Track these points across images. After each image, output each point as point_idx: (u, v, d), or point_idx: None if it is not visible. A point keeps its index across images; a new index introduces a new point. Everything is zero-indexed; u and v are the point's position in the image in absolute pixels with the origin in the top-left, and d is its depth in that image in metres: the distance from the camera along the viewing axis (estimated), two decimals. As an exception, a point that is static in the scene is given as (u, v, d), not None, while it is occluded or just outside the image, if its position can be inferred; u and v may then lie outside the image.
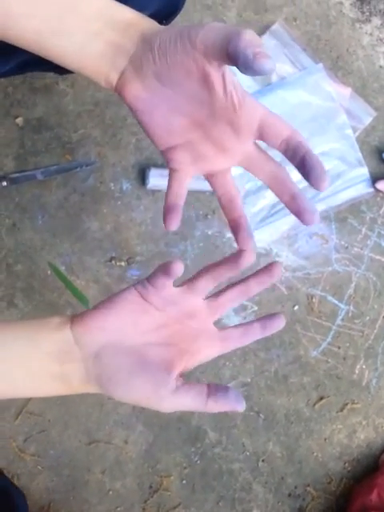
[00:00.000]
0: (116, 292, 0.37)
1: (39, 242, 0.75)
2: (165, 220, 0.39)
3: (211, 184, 0.40)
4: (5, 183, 0.72)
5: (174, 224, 0.39)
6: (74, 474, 0.76)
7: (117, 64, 0.35)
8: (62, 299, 0.75)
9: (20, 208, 0.74)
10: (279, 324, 0.40)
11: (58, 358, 0.35)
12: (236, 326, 0.40)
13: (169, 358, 0.37)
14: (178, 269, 0.36)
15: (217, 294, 0.40)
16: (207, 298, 0.40)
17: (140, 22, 0.35)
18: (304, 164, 0.35)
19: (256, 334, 0.40)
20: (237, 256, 0.39)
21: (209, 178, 0.40)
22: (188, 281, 0.39)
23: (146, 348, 0.37)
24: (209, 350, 0.39)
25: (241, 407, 0.36)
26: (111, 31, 0.35)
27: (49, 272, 0.75)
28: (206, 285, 0.39)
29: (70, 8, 0.34)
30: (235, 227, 0.40)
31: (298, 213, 0.37)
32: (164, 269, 0.36)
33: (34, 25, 0.34)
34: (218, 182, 0.39)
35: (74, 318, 0.36)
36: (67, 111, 0.75)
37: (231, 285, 0.40)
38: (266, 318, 0.40)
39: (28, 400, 0.74)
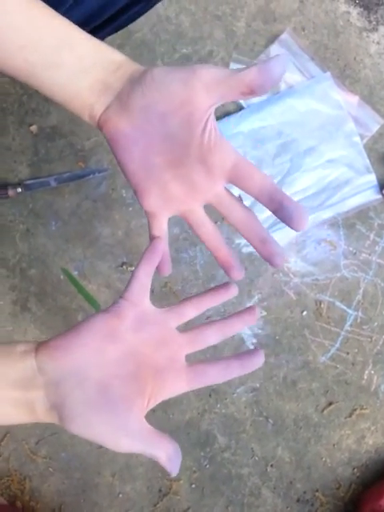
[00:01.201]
0: (85, 318, 0.37)
1: (52, 247, 0.76)
2: (159, 270, 0.40)
3: (187, 222, 0.40)
4: (19, 190, 0.74)
5: (166, 270, 0.41)
6: (85, 476, 0.77)
7: (102, 100, 0.36)
8: (74, 304, 0.76)
9: (34, 214, 0.76)
10: (258, 361, 0.38)
11: (22, 385, 0.34)
12: (210, 362, 0.38)
13: (131, 394, 0.35)
14: (160, 245, 0.37)
15: (195, 328, 0.39)
16: (184, 331, 0.39)
17: (129, 64, 0.37)
18: (282, 209, 0.35)
19: (233, 372, 0.38)
20: (222, 288, 0.40)
21: (184, 218, 0.40)
22: (170, 306, 0.39)
23: (110, 380, 0.35)
24: (174, 385, 0.37)
25: (174, 471, 0.35)
26: (101, 70, 0.36)
27: (61, 277, 0.76)
28: (188, 311, 0.39)
29: (65, 45, 0.36)
30: (224, 264, 0.40)
31: (268, 257, 0.37)
32: (145, 253, 0.37)
33: (28, 56, 0.35)
34: (192, 220, 0.39)
35: (39, 345, 0.35)
36: (80, 120, 0.77)
37: (211, 321, 0.39)
38: (245, 354, 0.38)
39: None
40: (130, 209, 0.78)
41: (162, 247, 0.39)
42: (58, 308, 0.76)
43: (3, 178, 0.76)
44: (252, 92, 0.33)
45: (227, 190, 0.38)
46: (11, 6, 0.34)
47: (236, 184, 0.37)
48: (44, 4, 0.36)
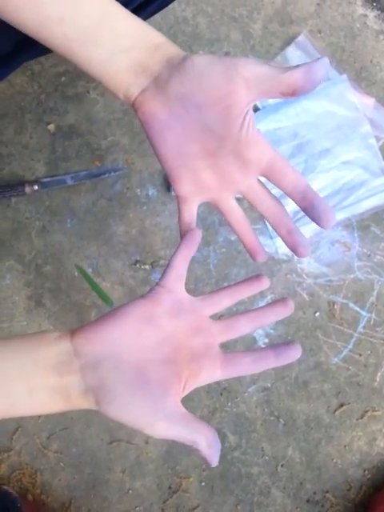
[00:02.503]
0: (123, 303, 0.37)
1: (67, 244, 0.77)
2: (182, 246, 0.41)
3: (217, 208, 0.41)
4: (36, 187, 0.75)
5: (193, 249, 0.41)
6: (95, 472, 0.77)
7: (139, 81, 0.36)
8: (87, 300, 0.77)
9: (50, 211, 0.77)
10: (295, 354, 0.38)
11: (57, 371, 0.34)
12: (245, 352, 0.38)
13: (168, 377, 0.35)
14: (197, 235, 0.38)
15: (229, 317, 0.39)
16: (218, 320, 0.39)
17: (169, 46, 0.37)
18: (313, 208, 0.37)
19: (269, 362, 0.38)
20: (255, 279, 0.40)
21: (215, 205, 0.41)
22: (206, 294, 0.39)
23: (145, 364, 0.35)
24: (210, 372, 0.37)
25: (215, 463, 0.34)
26: (140, 50, 0.36)
27: (76, 274, 0.77)
28: (223, 300, 0.39)
29: (104, 22, 0.35)
30: (250, 249, 0.42)
31: (293, 247, 0.39)
32: (182, 242, 0.37)
33: (66, 31, 0.35)
34: (223, 208, 0.41)
35: (75, 330, 0.36)
36: (97, 119, 0.78)
37: (245, 311, 0.40)
38: (282, 345, 0.38)
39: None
40: (145, 208, 0.79)
41: (199, 237, 0.39)
42: (72, 304, 0.77)
43: (20, 176, 0.77)
44: (293, 93, 0.34)
45: (259, 182, 0.39)
46: None
47: (270, 179, 0.38)
48: None
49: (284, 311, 0.40)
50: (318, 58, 0.33)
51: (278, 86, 0.34)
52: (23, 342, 0.35)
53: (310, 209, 0.37)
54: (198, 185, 0.39)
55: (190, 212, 0.41)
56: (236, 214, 0.41)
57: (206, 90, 0.34)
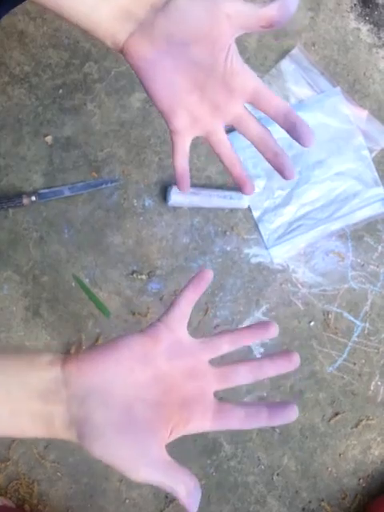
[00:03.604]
0: (121, 335, 0.35)
1: (65, 254, 0.78)
2: (179, 185, 0.43)
3: (209, 143, 0.43)
4: (34, 198, 0.76)
5: (187, 186, 0.43)
6: (92, 481, 0.78)
7: (125, 27, 0.38)
8: (84, 310, 0.78)
9: (47, 222, 0.78)
10: (290, 415, 0.35)
11: (43, 397, 0.33)
12: (239, 405, 0.36)
13: (156, 420, 0.34)
14: (209, 276, 0.38)
15: (229, 365, 0.37)
16: (217, 366, 0.37)
17: None
18: (295, 129, 0.39)
19: (261, 421, 0.35)
20: (263, 326, 0.37)
21: (206, 138, 0.43)
22: (207, 337, 0.37)
23: (136, 403, 0.34)
24: (200, 421, 0.35)
25: (193, 508, 0.33)
26: None
27: (73, 284, 0.78)
28: (224, 345, 0.37)
29: None
30: (238, 180, 0.43)
31: (280, 169, 0.41)
32: (192, 281, 0.37)
33: None
34: (213, 140, 0.42)
35: (68, 358, 0.34)
36: (94, 131, 0.79)
37: (245, 360, 0.37)
38: (279, 405, 0.36)
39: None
40: (141, 218, 0.80)
41: (210, 277, 0.38)
42: (69, 314, 0.78)
43: (18, 187, 0.78)
44: (270, 26, 0.37)
45: (246, 109, 0.41)
46: None
47: (255, 105, 0.40)
48: None
49: (287, 366, 0.37)
50: None
51: (257, 20, 0.37)
52: (15, 363, 0.34)
53: (292, 129, 0.40)
54: (191, 118, 0.41)
55: (184, 148, 0.42)
56: (225, 145, 0.42)
57: (190, 27, 0.37)
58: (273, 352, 0.38)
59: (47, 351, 0.36)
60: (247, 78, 0.39)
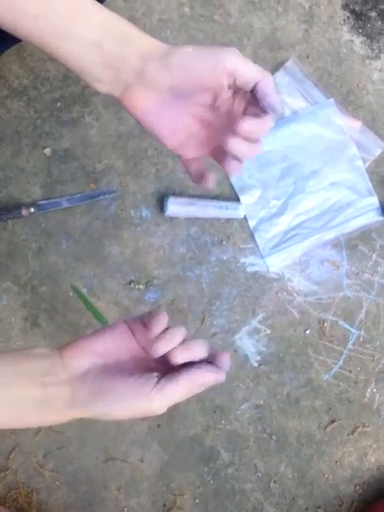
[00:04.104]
0: (104, 326, 0.40)
1: (63, 265, 0.79)
2: (203, 183, 0.43)
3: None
4: (32, 210, 0.77)
5: (211, 182, 0.43)
6: (91, 490, 0.78)
7: (121, 77, 0.38)
8: (83, 320, 0.79)
9: (46, 233, 0.79)
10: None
11: (42, 383, 0.35)
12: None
13: (147, 365, 0.38)
14: (162, 320, 0.38)
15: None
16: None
17: (144, 39, 0.38)
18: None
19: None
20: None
21: (216, 159, 0.43)
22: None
23: (127, 364, 0.38)
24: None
25: (226, 369, 0.36)
26: (112, 44, 0.37)
27: (71, 294, 0.79)
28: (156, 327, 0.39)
29: (76, 15, 0.37)
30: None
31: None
32: (149, 318, 0.39)
33: (41, 26, 0.37)
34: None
35: (63, 346, 0.38)
36: (92, 143, 0.80)
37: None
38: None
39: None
40: (139, 228, 0.81)
41: (165, 321, 0.39)
42: (68, 324, 0.79)
43: (17, 199, 0.79)
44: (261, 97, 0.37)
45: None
46: None
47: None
48: None
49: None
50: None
51: (252, 86, 0.37)
52: (12, 354, 0.37)
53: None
54: (200, 145, 0.42)
55: (200, 169, 0.44)
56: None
57: (195, 81, 0.37)
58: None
59: (34, 346, 0.39)
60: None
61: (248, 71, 0.37)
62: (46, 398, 0.35)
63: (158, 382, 0.35)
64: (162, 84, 0.37)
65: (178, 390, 0.35)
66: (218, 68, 0.36)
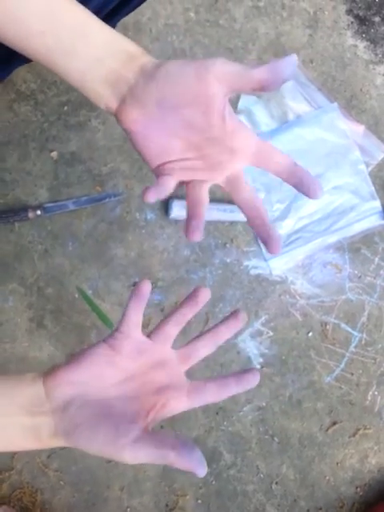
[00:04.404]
0: (87, 346, 0.39)
1: (69, 267, 0.80)
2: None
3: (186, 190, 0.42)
4: (39, 212, 0.78)
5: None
6: (95, 490, 0.79)
7: (117, 91, 0.38)
8: (88, 321, 0.80)
9: (52, 235, 0.80)
10: (254, 380, 0.39)
11: (30, 412, 0.36)
12: (209, 380, 0.39)
13: (133, 409, 0.37)
14: (146, 287, 0.38)
15: (187, 344, 0.40)
16: (178, 348, 0.40)
17: (141, 55, 0.39)
18: (302, 184, 0.38)
19: (231, 389, 0.39)
20: (193, 294, 0.40)
21: (187, 186, 0.42)
22: (153, 329, 0.40)
23: (112, 401, 0.37)
24: (176, 403, 0.38)
25: (202, 472, 0.34)
26: (113, 60, 0.38)
27: (77, 295, 0.79)
28: (171, 330, 0.40)
29: (81, 33, 0.38)
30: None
31: (265, 239, 0.39)
32: (132, 293, 0.39)
33: (46, 42, 0.37)
34: (194, 191, 0.41)
35: (46, 373, 0.38)
36: (98, 146, 0.81)
37: (201, 334, 0.41)
38: (242, 373, 0.39)
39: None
40: (143, 231, 0.82)
41: (147, 288, 0.40)
42: (73, 325, 0.79)
43: (24, 201, 0.80)
44: (262, 89, 0.36)
45: (242, 171, 0.40)
46: None
47: (259, 165, 0.39)
48: None
49: (236, 324, 0.41)
50: (287, 56, 0.35)
51: (247, 82, 0.36)
52: (2, 382, 0.38)
53: (299, 184, 0.39)
54: (186, 173, 0.40)
55: (166, 187, 0.40)
56: (205, 201, 0.41)
57: (180, 92, 0.36)
58: (223, 321, 0.40)
59: (30, 373, 0.39)
60: (247, 137, 0.38)
61: (240, 68, 0.36)
62: (33, 426, 0.36)
63: (134, 440, 0.34)
64: (149, 96, 0.37)
65: (151, 457, 0.34)
66: (203, 75, 0.36)
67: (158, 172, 0.40)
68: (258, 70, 0.35)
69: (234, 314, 0.41)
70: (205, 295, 0.40)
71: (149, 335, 0.40)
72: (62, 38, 0.37)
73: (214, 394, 0.39)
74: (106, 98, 0.39)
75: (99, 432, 0.35)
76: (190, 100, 0.37)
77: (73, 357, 0.38)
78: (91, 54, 0.38)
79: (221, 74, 0.36)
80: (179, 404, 0.38)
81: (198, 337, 0.40)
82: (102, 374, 0.38)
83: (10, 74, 0.57)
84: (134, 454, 0.34)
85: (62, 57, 0.38)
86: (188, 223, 0.41)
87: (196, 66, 0.36)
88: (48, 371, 0.38)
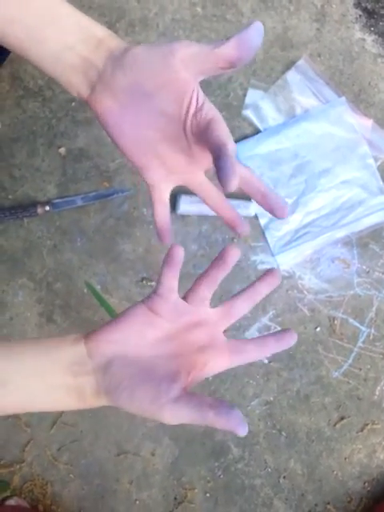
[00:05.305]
0: (126, 308, 0.39)
1: (77, 262, 0.81)
2: (159, 236, 0.43)
3: (190, 188, 0.42)
4: (48, 208, 0.78)
5: (168, 238, 0.43)
6: (104, 483, 0.80)
7: (88, 78, 0.37)
8: (96, 316, 0.80)
9: (61, 231, 0.81)
10: (292, 339, 0.39)
11: (73, 371, 0.36)
12: (248, 340, 0.39)
13: (174, 369, 0.37)
14: (178, 252, 0.38)
15: (226, 302, 0.40)
16: (216, 307, 0.40)
17: (110, 40, 0.38)
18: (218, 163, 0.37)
19: (271, 347, 0.39)
20: (222, 254, 0.39)
21: (185, 184, 0.42)
22: (187, 292, 0.40)
23: (153, 360, 0.37)
24: (217, 362, 0.38)
25: (242, 431, 0.34)
26: (83, 46, 0.37)
27: (85, 290, 0.80)
28: (204, 292, 0.39)
29: (50, 19, 0.37)
30: (229, 222, 0.42)
31: (270, 209, 0.39)
32: (165, 260, 0.38)
33: (16, 30, 0.36)
34: (194, 185, 0.42)
35: (87, 334, 0.38)
36: (106, 142, 0.82)
37: (239, 292, 0.40)
38: (280, 333, 0.39)
39: (62, 411, 0.79)
40: (151, 226, 0.82)
41: (180, 252, 0.39)
42: (82, 320, 0.80)
43: (33, 197, 0.80)
44: (231, 66, 0.35)
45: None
46: None
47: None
48: None
49: (273, 281, 0.40)
50: (251, 24, 0.33)
51: (214, 61, 0.34)
52: (44, 344, 0.38)
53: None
54: (166, 169, 0.39)
55: (162, 199, 0.41)
56: (208, 189, 0.42)
57: (148, 77, 0.35)
58: (260, 278, 0.40)
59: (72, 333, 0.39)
60: (219, 123, 0.37)
61: (204, 48, 0.34)
62: (77, 385, 0.36)
63: (174, 399, 0.34)
64: (118, 83, 0.36)
65: (191, 416, 0.34)
66: (170, 60, 0.35)
67: (144, 177, 0.40)
68: (223, 47, 0.34)
69: (269, 270, 0.40)
70: (234, 254, 0.39)
71: (184, 298, 0.40)
72: (31, 26, 0.36)
73: (255, 353, 0.39)
74: (76, 85, 0.38)
75: (140, 390, 0.35)
76: (160, 86, 0.35)
77: (113, 319, 0.39)
78: (61, 40, 0.37)
79: (186, 56, 0.35)
80: (220, 363, 0.38)
81: (236, 295, 0.40)
82: (141, 334, 0.38)
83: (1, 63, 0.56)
84: (174, 413, 0.34)
85: (31, 44, 0.37)
86: (225, 221, 0.42)
87: (162, 50, 0.35)
88: (89, 332, 0.38)
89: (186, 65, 0.35)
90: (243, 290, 0.40)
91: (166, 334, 0.38)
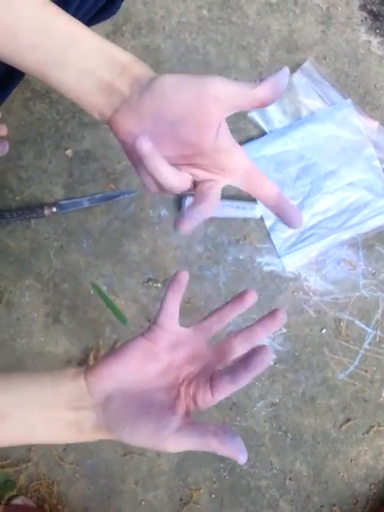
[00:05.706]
0: (126, 341, 0.40)
1: (84, 263, 0.81)
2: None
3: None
4: (54, 209, 0.79)
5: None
6: (109, 483, 0.80)
7: (111, 102, 0.38)
8: (102, 317, 0.81)
9: (67, 232, 0.81)
10: (266, 359, 0.36)
11: (73, 406, 0.37)
12: (224, 371, 0.38)
13: (171, 400, 0.37)
14: (184, 279, 0.39)
15: (223, 341, 0.41)
16: (214, 345, 0.41)
17: (134, 66, 0.39)
18: (285, 214, 0.40)
19: (244, 378, 0.36)
20: (242, 294, 0.41)
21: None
22: (196, 323, 0.41)
23: (153, 392, 0.38)
24: (202, 394, 0.38)
25: (242, 458, 0.35)
26: (105, 71, 0.37)
27: (92, 291, 0.81)
28: (212, 327, 0.41)
29: (71, 44, 0.38)
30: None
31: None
32: (170, 285, 0.39)
33: (37, 56, 0.37)
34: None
35: (87, 369, 0.39)
36: (112, 144, 0.82)
37: (236, 331, 0.41)
38: (251, 356, 0.36)
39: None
40: (157, 228, 0.82)
41: (185, 279, 0.41)
42: (88, 321, 0.81)
43: (40, 198, 0.81)
44: (263, 105, 0.36)
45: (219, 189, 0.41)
46: (20, 10, 0.36)
47: (246, 189, 0.40)
48: (51, 3, 0.38)
49: (273, 324, 0.40)
50: (280, 71, 0.35)
51: (249, 101, 0.36)
52: (44, 378, 0.39)
53: (283, 214, 0.40)
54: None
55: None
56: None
57: (177, 109, 0.36)
58: (261, 320, 0.40)
59: (72, 366, 0.40)
60: (240, 160, 0.39)
61: (240, 88, 0.36)
62: (77, 420, 0.37)
63: (176, 430, 0.35)
64: (143, 109, 0.37)
65: (194, 445, 0.34)
66: (203, 94, 0.36)
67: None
68: (260, 88, 0.35)
69: (272, 313, 0.40)
70: (251, 297, 0.41)
71: (193, 327, 0.41)
72: (51, 51, 0.37)
73: (230, 386, 0.37)
74: (99, 107, 0.39)
75: (141, 426, 0.35)
76: (187, 117, 0.36)
77: (112, 352, 0.39)
78: (81, 64, 0.38)
79: (221, 93, 0.36)
80: (205, 397, 0.38)
81: (234, 334, 0.41)
82: (141, 367, 0.39)
83: (9, 95, 0.58)
84: (177, 444, 0.35)
85: (53, 70, 0.38)
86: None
87: (194, 83, 0.36)
88: (89, 367, 0.39)
89: (220, 101, 0.36)
90: (241, 331, 0.41)
91: (164, 367, 0.39)
